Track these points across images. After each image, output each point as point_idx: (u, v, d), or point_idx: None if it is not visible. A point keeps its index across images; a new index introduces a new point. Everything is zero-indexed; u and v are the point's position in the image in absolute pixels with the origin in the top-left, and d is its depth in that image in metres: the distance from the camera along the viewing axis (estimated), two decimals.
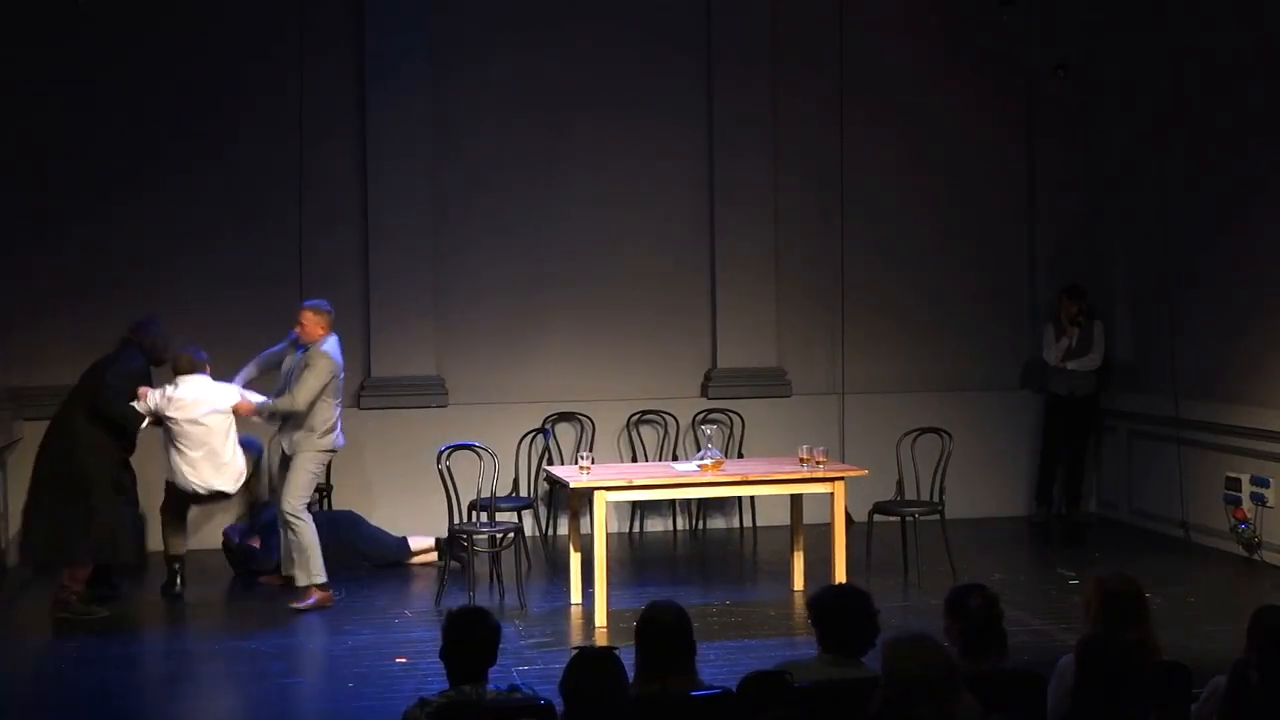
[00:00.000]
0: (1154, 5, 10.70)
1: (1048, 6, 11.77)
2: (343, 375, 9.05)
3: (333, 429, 8.94)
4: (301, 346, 9.00)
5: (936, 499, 9.53)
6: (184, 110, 10.84)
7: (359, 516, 10.33)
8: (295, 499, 8.78)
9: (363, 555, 10.06)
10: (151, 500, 9.42)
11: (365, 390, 11.01)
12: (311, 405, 8.79)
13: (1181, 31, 10.71)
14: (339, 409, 9.02)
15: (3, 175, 10.31)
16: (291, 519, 8.76)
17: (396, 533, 10.35)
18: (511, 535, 9.02)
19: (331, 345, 8.95)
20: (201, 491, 9.00)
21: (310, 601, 8.70)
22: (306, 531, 8.75)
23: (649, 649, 4.91)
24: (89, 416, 8.80)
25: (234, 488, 9.09)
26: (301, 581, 8.76)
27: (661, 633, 4.92)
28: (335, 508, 10.57)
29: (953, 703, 4.21)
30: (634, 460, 11.12)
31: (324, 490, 10.68)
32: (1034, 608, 8.62)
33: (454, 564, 9.32)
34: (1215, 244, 10.48)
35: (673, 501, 11.04)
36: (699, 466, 8.81)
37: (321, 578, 8.77)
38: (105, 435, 8.80)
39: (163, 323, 9.18)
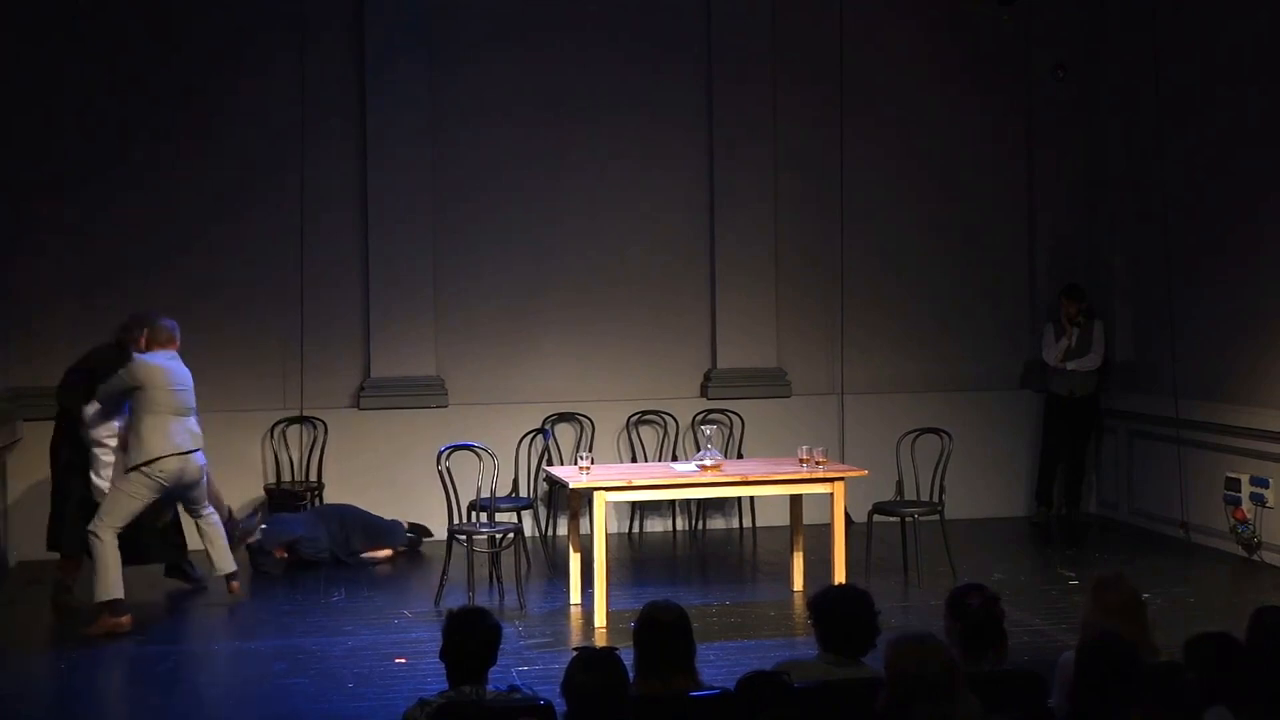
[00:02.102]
0: (1154, 5, 10.70)
1: (1048, 6, 11.77)
2: (174, 391, 8.44)
3: (149, 449, 8.30)
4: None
5: (936, 499, 9.53)
6: (183, 110, 10.84)
7: (350, 505, 10.37)
8: (99, 516, 8.29)
9: (364, 537, 10.13)
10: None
11: (365, 390, 11.01)
12: (134, 420, 8.37)
13: (1181, 32, 10.71)
14: (162, 427, 8.36)
15: (2, 175, 10.30)
16: (90, 534, 8.26)
17: None
18: (511, 536, 9.02)
19: (150, 356, 8.47)
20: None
21: (100, 626, 8.13)
22: (102, 550, 8.20)
23: (649, 649, 4.90)
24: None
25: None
26: (97, 597, 8.24)
27: (661, 633, 4.92)
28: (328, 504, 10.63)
29: (955, 702, 4.21)
30: (634, 460, 11.12)
31: (315, 488, 10.71)
32: (1034, 608, 8.62)
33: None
34: (1215, 244, 10.48)
35: (672, 502, 11.04)
36: (699, 467, 8.81)
37: (110, 595, 8.18)
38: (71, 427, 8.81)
39: (147, 315, 8.79)
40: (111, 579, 8.21)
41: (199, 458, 8.62)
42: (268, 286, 10.89)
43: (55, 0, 10.49)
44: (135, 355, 8.47)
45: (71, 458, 8.78)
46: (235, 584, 8.98)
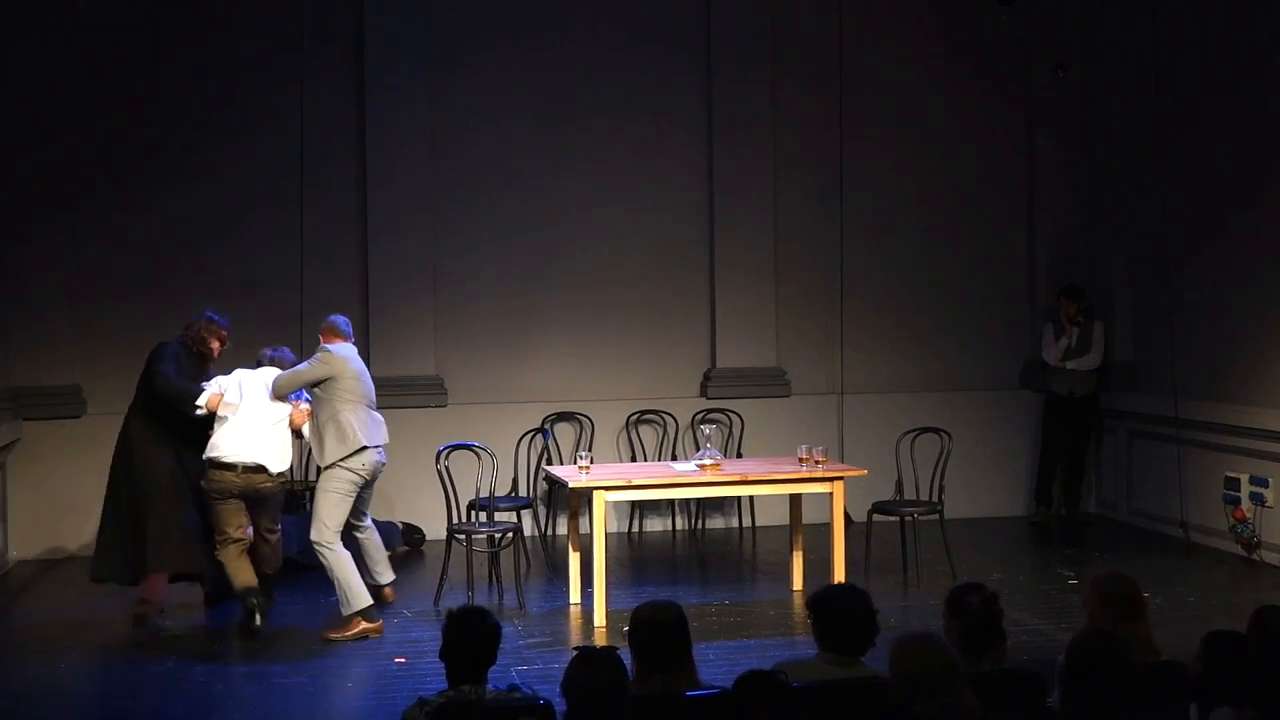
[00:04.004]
0: (1154, 5, 10.70)
1: (1048, 6, 11.77)
2: (363, 382, 8.34)
3: (352, 441, 8.17)
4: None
5: (936, 499, 9.53)
6: (184, 111, 10.84)
7: None
8: (318, 526, 8.16)
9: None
10: None
11: None
12: (327, 413, 8.20)
13: (1181, 31, 10.71)
14: (361, 419, 8.24)
15: (3, 175, 10.30)
16: (317, 548, 8.15)
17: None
18: (510, 535, 9.02)
19: (339, 348, 8.36)
20: (238, 461, 8.14)
21: (352, 631, 8.08)
22: (335, 560, 8.10)
23: (648, 649, 4.90)
24: (144, 417, 8.55)
25: (274, 465, 8.22)
26: (345, 611, 8.12)
27: (661, 632, 4.92)
28: None
29: (958, 701, 4.21)
30: (633, 460, 11.12)
31: (315, 489, 10.67)
32: (1034, 608, 8.62)
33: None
34: (1215, 244, 10.48)
35: (672, 501, 11.04)
36: (698, 466, 8.81)
37: (361, 605, 8.10)
38: (162, 432, 8.49)
39: (213, 319, 8.69)
40: (356, 588, 8.10)
41: (384, 454, 8.47)
42: (268, 286, 10.88)
43: (57, 10, 10.49)
44: (326, 346, 8.35)
45: (165, 470, 8.46)
46: (389, 590, 8.75)
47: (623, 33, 11.43)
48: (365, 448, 8.21)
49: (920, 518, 9.55)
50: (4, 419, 9.98)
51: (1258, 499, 9.92)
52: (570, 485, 8.59)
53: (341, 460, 8.19)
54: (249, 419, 8.23)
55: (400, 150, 11.02)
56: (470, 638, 4.87)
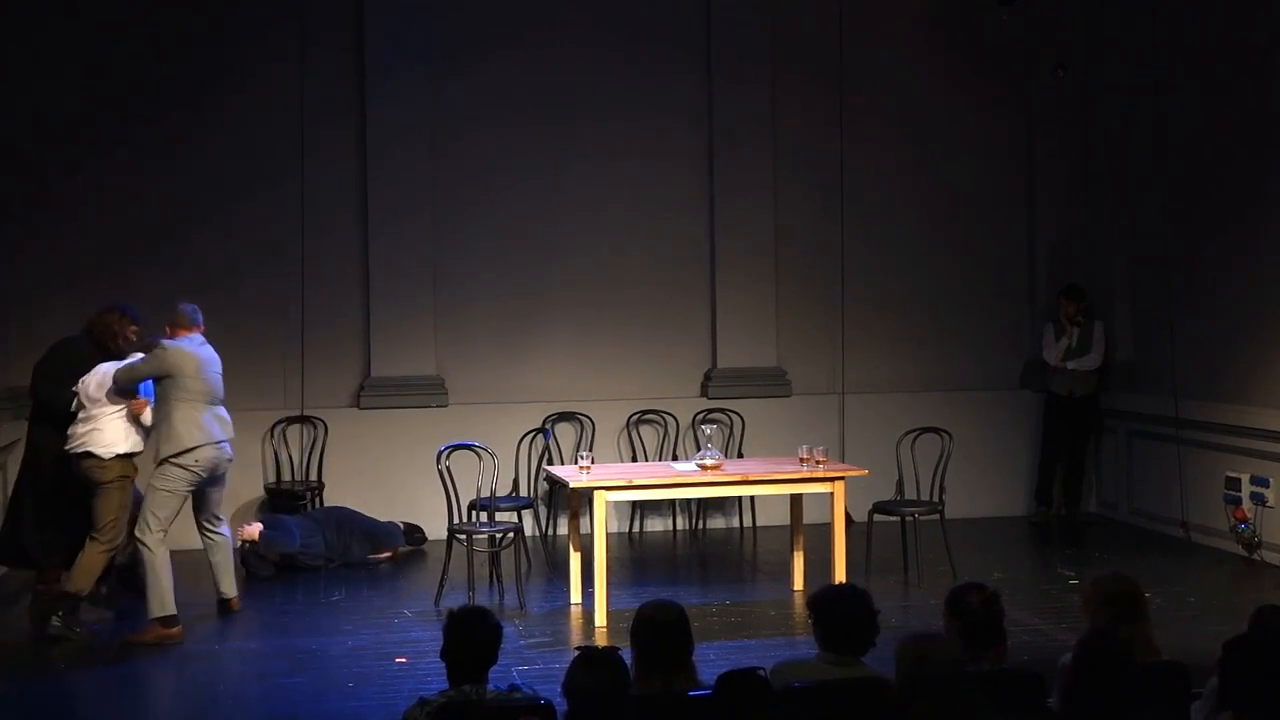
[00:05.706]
0: (1154, 5, 10.71)
1: (1048, 6, 11.77)
2: (205, 378, 8.23)
3: (184, 439, 8.06)
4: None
5: (936, 499, 9.53)
6: (184, 110, 10.84)
7: (351, 509, 10.35)
8: (142, 521, 8.07)
9: (364, 544, 10.12)
10: None
11: (365, 390, 11.01)
12: (162, 411, 8.12)
13: (1181, 31, 10.71)
14: (194, 416, 8.13)
15: (2, 174, 10.30)
16: (137, 541, 8.07)
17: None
18: (511, 535, 9.02)
19: (179, 342, 8.22)
20: (73, 451, 8.13)
21: (149, 635, 7.97)
22: (151, 560, 7.99)
23: (649, 649, 4.91)
24: (34, 412, 8.62)
25: (101, 450, 8.09)
26: (151, 613, 8.03)
27: (662, 632, 4.92)
28: (327, 506, 10.62)
29: (963, 698, 4.22)
30: (634, 460, 11.12)
31: (315, 488, 10.70)
32: (1034, 608, 8.62)
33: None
34: (1214, 244, 10.49)
35: (672, 501, 11.04)
36: (699, 466, 8.81)
37: (164, 612, 7.99)
38: (49, 430, 8.45)
39: (125, 311, 8.56)
40: (164, 592, 8.02)
41: (229, 448, 8.39)
42: (268, 286, 10.89)
43: (58, 6, 10.48)
44: (164, 341, 8.23)
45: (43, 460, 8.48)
46: (235, 601, 8.71)
47: (623, 33, 11.44)
48: (195, 447, 8.11)
49: (921, 518, 9.55)
50: (4, 419, 9.98)
51: (1258, 499, 9.92)
52: (571, 485, 8.59)
53: (171, 457, 8.11)
54: (87, 410, 8.21)
55: (400, 150, 11.02)
56: (471, 638, 4.88)
